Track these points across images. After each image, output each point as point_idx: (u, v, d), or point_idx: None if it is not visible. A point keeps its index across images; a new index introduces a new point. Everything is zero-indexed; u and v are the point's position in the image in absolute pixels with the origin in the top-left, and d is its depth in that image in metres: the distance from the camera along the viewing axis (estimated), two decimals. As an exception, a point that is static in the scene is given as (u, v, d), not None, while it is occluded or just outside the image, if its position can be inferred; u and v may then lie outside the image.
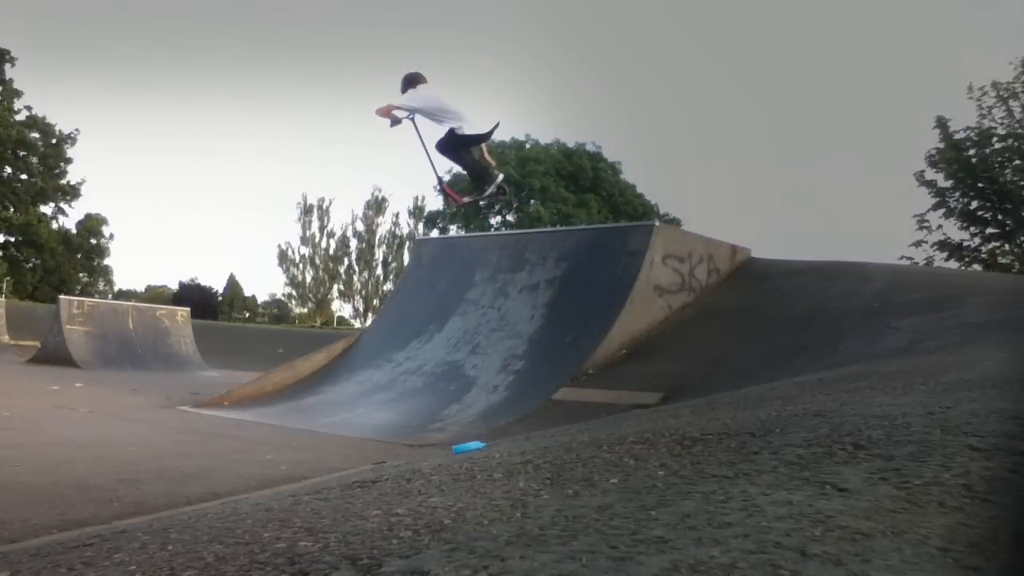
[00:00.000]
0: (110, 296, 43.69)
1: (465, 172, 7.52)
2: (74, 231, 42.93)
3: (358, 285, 47.55)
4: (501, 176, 7.43)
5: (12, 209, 37.82)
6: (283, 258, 47.18)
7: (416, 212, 46.61)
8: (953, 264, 20.53)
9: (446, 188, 7.30)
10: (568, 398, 6.11)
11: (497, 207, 41.25)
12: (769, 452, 1.70)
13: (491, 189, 7.28)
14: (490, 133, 7.45)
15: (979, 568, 0.97)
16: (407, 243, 44.54)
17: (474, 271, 8.86)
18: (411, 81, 7.18)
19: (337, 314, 48.84)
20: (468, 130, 7.19)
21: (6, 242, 38.94)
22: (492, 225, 40.53)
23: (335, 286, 47.81)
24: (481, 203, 7.25)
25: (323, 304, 47.88)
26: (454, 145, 7.41)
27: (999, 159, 20.52)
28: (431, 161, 7.53)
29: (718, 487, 1.43)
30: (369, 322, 32.96)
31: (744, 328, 7.07)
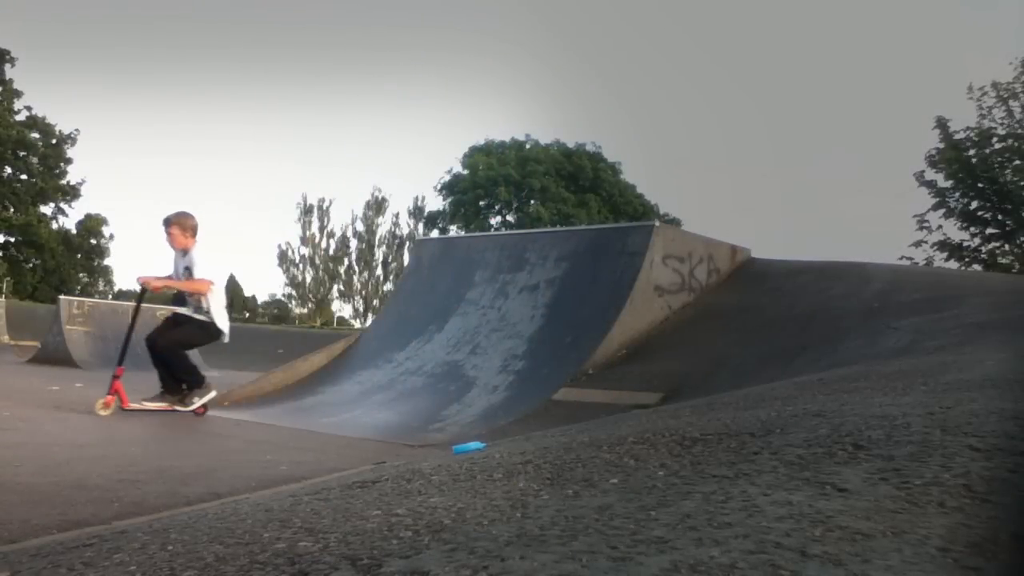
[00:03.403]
0: (110, 296, 43.68)
1: (170, 373, 6.11)
2: (74, 231, 42.96)
3: (358, 285, 47.56)
4: (215, 391, 6.27)
5: (12, 209, 37.85)
6: (283, 258, 47.20)
7: (416, 212, 46.67)
8: (953, 264, 20.57)
9: (117, 383, 5.75)
10: (568, 398, 6.10)
11: (497, 207, 41.29)
12: (769, 452, 1.70)
13: (199, 402, 6.06)
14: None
15: (979, 568, 0.97)
16: (407, 243, 44.57)
17: (474, 271, 8.86)
18: (194, 229, 6.21)
19: (337, 314, 48.88)
20: (224, 325, 6.30)
21: (6, 242, 38.97)
22: (492, 225, 40.55)
23: (335, 286, 47.80)
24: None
25: (323, 304, 47.86)
26: (202, 341, 6.29)
27: (999, 159, 20.54)
28: (126, 346, 6.18)
29: (718, 487, 1.43)
30: (369, 322, 32.97)
31: (744, 328, 7.07)
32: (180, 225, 6.18)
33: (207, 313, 6.18)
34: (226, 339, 6.36)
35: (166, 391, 6.06)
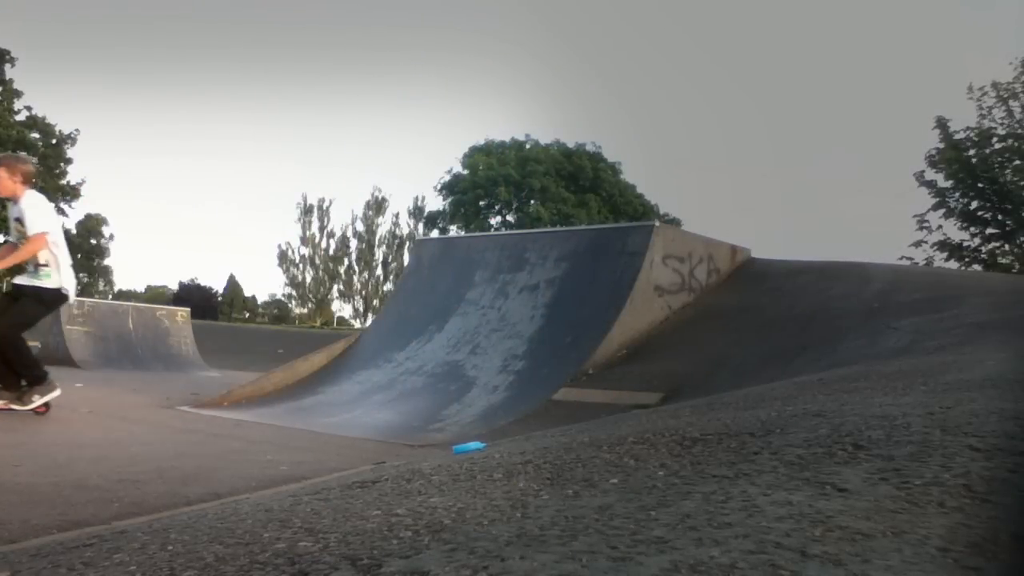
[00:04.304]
0: (110, 296, 43.72)
1: (7, 366, 5.26)
2: (74, 231, 42.93)
3: (358, 285, 47.61)
4: (59, 389, 5.44)
5: (12, 209, 37.72)
6: (283, 258, 47.27)
7: (416, 212, 46.70)
8: (953, 264, 20.58)
9: None
10: (568, 398, 6.11)
11: (497, 207, 41.30)
12: (769, 452, 1.70)
13: (39, 401, 5.30)
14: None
15: (979, 568, 0.97)
16: (407, 243, 44.59)
17: (474, 271, 8.86)
18: (25, 174, 5.37)
19: (337, 314, 48.94)
20: (69, 286, 5.44)
21: (6, 242, 38.89)
22: (492, 225, 40.54)
23: (335, 286, 47.84)
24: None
25: (323, 304, 47.89)
26: (41, 314, 5.39)
27: (999, 159, 20.54)
28: None
29: (718, 487, 1.43)
30: (369, 322, 32.97)
31: (744, 328, 7.07)
32: (8, 168, 5.38)
33: (47, 273, 5.39)
34: (71, 299, 5.56)
35: (3, 387, 5.32)
